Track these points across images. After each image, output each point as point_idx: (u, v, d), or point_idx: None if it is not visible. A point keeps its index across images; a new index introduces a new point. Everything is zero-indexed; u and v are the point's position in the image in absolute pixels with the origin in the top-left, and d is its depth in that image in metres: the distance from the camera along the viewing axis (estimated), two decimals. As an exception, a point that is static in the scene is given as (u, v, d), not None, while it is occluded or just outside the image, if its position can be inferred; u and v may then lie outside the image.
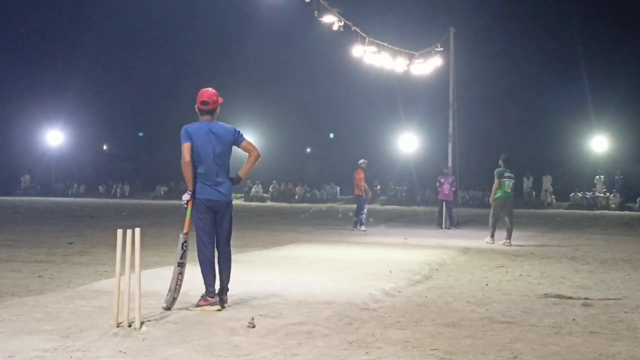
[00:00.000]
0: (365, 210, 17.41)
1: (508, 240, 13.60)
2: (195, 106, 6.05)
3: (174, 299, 5.91)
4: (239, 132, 6.09)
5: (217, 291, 6.04)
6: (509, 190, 13.79)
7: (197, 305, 5.96)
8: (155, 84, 46.31)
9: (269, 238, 14.34)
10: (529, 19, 41.98)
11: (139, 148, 48.99)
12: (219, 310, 5.92)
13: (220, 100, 6.11)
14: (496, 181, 13.79)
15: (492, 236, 13.93)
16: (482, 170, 36.70)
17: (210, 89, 6.12)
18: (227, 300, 6.13)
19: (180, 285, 5.95)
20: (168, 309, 5.84)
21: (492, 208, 14.04)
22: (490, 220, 14.07)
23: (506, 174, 13.78)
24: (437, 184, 19.27)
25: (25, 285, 7.44)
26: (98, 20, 45.76)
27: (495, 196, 13.81)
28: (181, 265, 5.96)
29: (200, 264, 6.05)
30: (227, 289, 6.15)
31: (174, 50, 47.00)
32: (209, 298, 5.96)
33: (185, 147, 5.88)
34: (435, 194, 22.55)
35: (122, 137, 49.33)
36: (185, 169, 5.94)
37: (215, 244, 6.10)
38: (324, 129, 47.39)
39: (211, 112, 6.05)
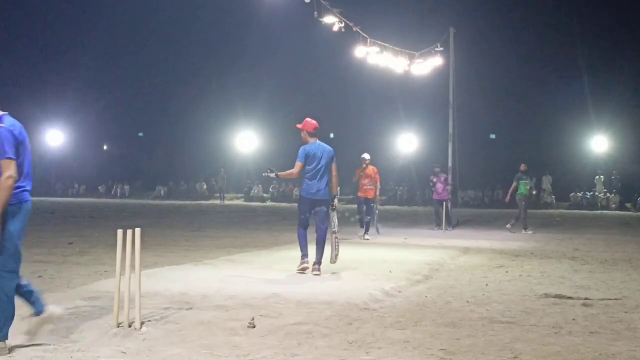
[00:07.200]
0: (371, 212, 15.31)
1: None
2: (306, 131, 8.81)
3: (336, 255, 8.63)
4: (334, 153, 8.89)
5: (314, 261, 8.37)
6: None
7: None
8: (155, 84, 46.24)
9: (269, 238, 14.33)
10: (529, 19, 41.95)
11: (139, 148, 48.91)
12: (304, 269, 8.34)
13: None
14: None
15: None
16: (482, 171, 36.75)
17: (313, 120, 9.01)
18: (319, 269, 8.28)
19: (339, 245, 8.72)
20: (334, 263, 8.61)
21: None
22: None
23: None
24: (430, 184, 18.84)
25: (25, 285, 7.43)
26: (98, 21, 45.75)
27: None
28: (335, 233, 8.66)
29: (298, 237, 8.61)
30: (319, 262, 8.33)
31: (174, 51, 46.98)
32: (302, 259, 8.42)
33: (298, 165, 8.62)
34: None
35: (122, 137, 49.23)
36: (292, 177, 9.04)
37: (307, 226, 8.64)
38: (324, 129, 47.21)
39: (317, 135, 8.89)
